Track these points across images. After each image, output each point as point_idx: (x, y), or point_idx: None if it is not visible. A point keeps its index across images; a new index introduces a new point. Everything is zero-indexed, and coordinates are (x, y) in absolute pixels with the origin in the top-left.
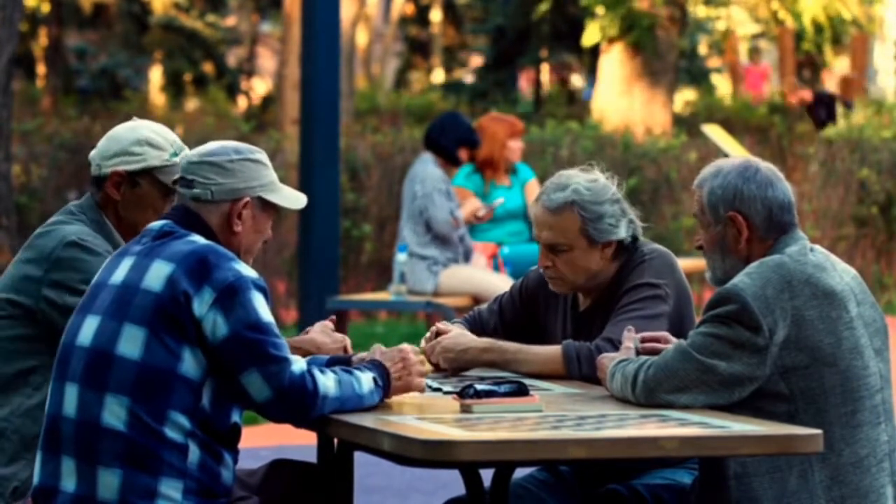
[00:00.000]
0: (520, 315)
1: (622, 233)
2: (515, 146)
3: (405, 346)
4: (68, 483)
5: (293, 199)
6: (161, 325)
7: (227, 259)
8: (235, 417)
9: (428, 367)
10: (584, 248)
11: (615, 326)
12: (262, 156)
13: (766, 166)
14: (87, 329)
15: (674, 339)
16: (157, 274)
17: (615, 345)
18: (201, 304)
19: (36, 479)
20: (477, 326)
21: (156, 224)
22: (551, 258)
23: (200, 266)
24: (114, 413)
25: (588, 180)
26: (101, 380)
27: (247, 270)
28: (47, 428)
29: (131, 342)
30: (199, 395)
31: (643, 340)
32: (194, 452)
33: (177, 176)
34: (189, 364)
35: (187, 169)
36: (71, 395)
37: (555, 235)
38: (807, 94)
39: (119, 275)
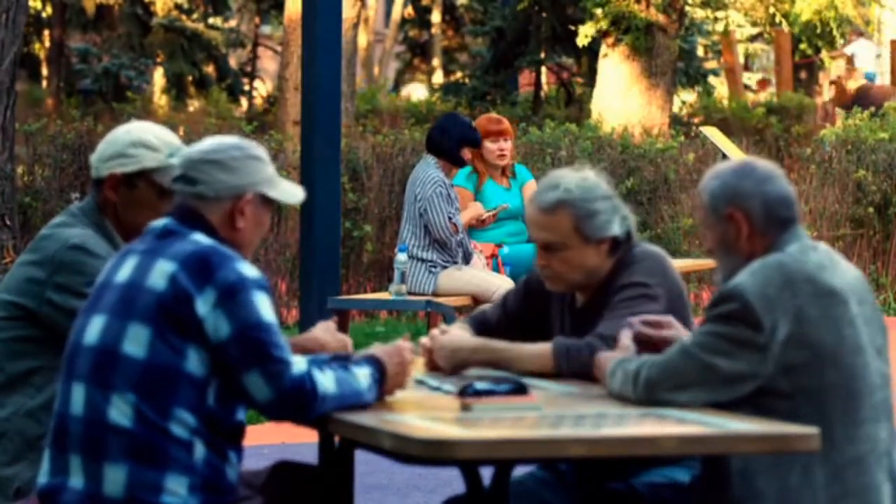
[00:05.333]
0: (525, 308)
1: (616, 229)
2: (492, 147)
3: (402, 343)
4: (75, 480)
5: (292, 193)
6: (165, 323)
7: (229, 259)
8: (240, 415)
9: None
10: (579, 246)
11: (607, 324)
12: (262, 152)
13: (764, 164)
14: (93, 328)
15: (676, 324)
16: (160, 273)
17: (606, 341)
18: (204, 304)
19: (43, 478)
20: (482, 324)
21: (158, 223)
22: (546, 258)
23: (203, 266)
24: (120, 410)
25: (578, 178)
26: (107, 378)
27: (249, 271)
28: (55, 427)
29: (136, 341)
30: (204, 393)
31: (644, 323)
32: (199, 449)
33: (177, 173)
34: (193, 362)
35: (189, 166)
36: (78, 394)
37: (549, 235)
38: None
39: (123, 274)
